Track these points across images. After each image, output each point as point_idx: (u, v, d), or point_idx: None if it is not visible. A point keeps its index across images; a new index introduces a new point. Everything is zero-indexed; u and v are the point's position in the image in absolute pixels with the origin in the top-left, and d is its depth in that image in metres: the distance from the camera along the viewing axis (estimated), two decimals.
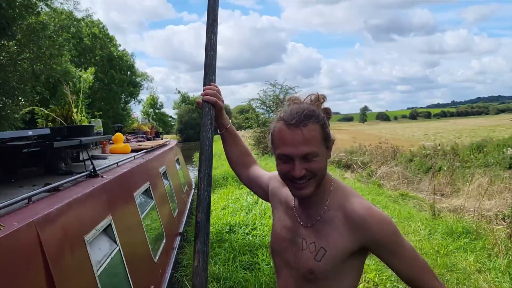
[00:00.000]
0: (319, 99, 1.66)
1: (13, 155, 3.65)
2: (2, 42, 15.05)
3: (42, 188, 2.94)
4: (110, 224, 3.54)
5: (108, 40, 33.34)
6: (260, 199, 8.89)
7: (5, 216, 2.25)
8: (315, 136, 1.54)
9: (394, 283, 5.07)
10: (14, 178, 3.52)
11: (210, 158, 1.85)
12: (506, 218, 6.99)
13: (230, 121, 2.09)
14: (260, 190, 2.04)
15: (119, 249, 3.60)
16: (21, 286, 2.03)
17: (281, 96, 22.72)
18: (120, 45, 35.24)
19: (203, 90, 1.96)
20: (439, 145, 19.40)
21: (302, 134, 1.53)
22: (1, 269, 1.88)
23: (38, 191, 2.84)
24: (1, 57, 16.33)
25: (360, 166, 15.60)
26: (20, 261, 2.08)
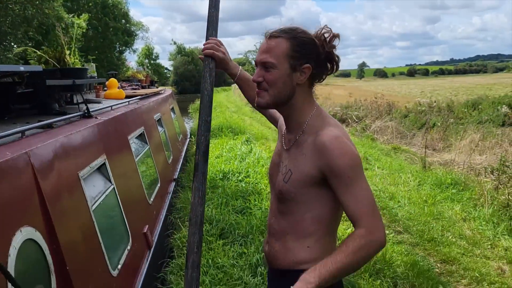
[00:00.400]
0: (323, 33, 1.70)
1: (6, 93, 3.64)
2: None
3: (36, 124, 2.96)
4: (104, 164, 3.59)
5: None
6: (254, 149, 9.01)
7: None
8: (278, 49, 1.63)
9: None
10: (7, 115, 3.53)
11: (209, 106, 1.91)
12: (494, 171, 7.11)
13: (240, 67, 2.14)
14: (275, 124, 2.12)
15: (114, 188, 3.67)
16: (15, 215, 2.09)
17: None
18: None
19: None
20: (434, 102, 19.38)
21: (267, 44, 1.66)
22: None
23: (31, 126, 2.86)
24: None
25: (355, 121, 15.66)
26: (14, 191, 2.13)
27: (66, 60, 5.20)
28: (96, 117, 3.99)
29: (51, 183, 2.48)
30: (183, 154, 9.05)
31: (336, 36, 1.70)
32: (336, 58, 1.73)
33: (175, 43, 67.09)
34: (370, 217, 1.47)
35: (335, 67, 1.75)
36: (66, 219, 2.59)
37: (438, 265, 4.55)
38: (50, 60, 5.14)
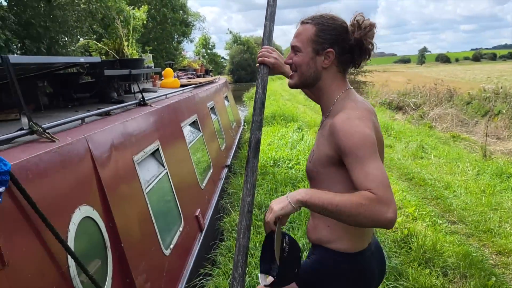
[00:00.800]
0: (356, 20, 1.73)
1: (69, 83, 3.92)
2: None
3: (94, 112, 3.18)
4: (158, 149, 3.79)
5: None
6: (306, 136, 9.00)
7: (61, 133, 2.48)
8: (304, 34, 1.76)
9: (434, 218, 5.11)
10: (70, 104, 3.80)
11: (260, 108, 2.03)
12: None
13: None
14: None
15: (167, 172, 3.86)
16: (75, 194, 2.29)
17: None
18: None
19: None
20: (501, 88, 18.26)
21: (298, 29, 1.81)
22: (54, 177, 2.12)
23: (90, 113, 3.08)
24: None
25: (413, 108, 15.14)
26: (73, 173, 2.32)
27: (124, 51, 5.47)
28: (151, 105, 4.19)
29: (107, 166, 2.67)
30: (236, 141, 9.23)
31: (371, 24, 1.72)
32: (370, 46, 1.75)
33: (231, 32, 67.70)
34: (381, 190, 1.43)
35: (367, 54, 1.77)
36: (121, 199, 2.79)
37: (493, 256, 4.38)
38: (110, 52, 5.44)
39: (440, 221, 5.06)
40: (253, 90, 28.70)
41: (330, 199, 1.49)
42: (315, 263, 1.84)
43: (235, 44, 63.74)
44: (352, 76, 22.22)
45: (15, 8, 14.43)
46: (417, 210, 5.22)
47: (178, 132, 4.71)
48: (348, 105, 1.72)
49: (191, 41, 39.02)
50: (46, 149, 2.10)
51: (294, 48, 1.79)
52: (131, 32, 5.72)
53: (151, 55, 6.90)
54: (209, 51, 52.58)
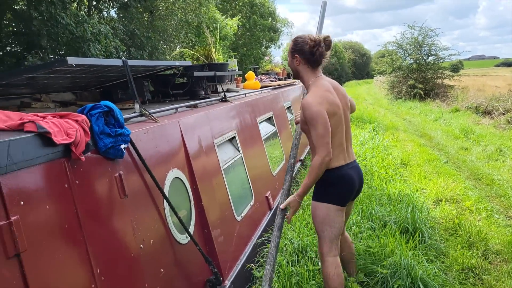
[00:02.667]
0: (311, 38, 3.05)
1: (167, 82, 4.90)
2: None
3: (185, 104, 4.08)
4: (234, 137, 4.61)
5: None
6: (377, 137, 9.37)
7: (161, 117, 3.38)
8: (288, 48, 3.18)
9: (490, 212, 5.34)
10: (167, 99, 4.78)
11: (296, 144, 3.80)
12: None
13: None
14: None
15: (241, 156, 4.67)
16: (169, 159, 3.15)
17: (420, 39, 21.62)
18: None
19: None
20: None
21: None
22: (156, 144, 2.99)
23: (181, 105, 3.98)
24: (160, 7, 18.68)
25: (502, 113, 14.55)
26: (169, 144, 3.19)
27: (212, 57, 6.43)
28: (231, 101, 5.03)
29: (192, 142, 3.53)
30: None
31: (315, 40, 3.00)
32: (317, 53, 3.01)
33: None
34: (318, 148, 2.87)
35: (317, 57, 3.04)
36: (203, 169, 3.62)
37: None
38: (200, 57, 6.43)
39: (497, 216, 5.28)
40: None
41: (306, 185, 3.05)
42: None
43: None
44: (440, 80, 21.64)
45: (123, 20, 16.38)
46: (474, 204, 5.48)
47: (254, 125, 5.51)
48: (310, 90, 3.06)
49: (278, 47, 40.14)
50: (151, 126, 2.99)
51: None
52: (218, 40, 6.66)
53: (235, 60, 7.82)
54: None
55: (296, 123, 3.76)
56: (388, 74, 23.50)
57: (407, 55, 22.27)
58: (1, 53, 13.16)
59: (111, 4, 16.45)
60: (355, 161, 3.22)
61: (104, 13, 16.78)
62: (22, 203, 1.76)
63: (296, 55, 3.07)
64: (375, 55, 71.53)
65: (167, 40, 18.94)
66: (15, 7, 12.55)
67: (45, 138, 1.94)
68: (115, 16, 17.12)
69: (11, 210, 1.69)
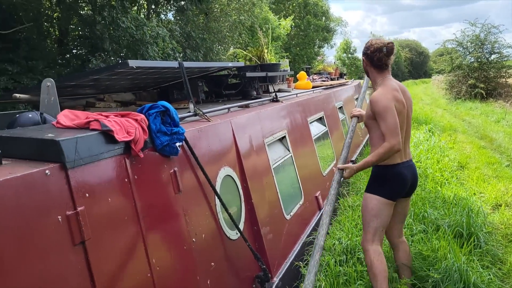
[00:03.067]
0: (373, 45, 3.33)
1: (220, 83, 5.05)
2: None
3: (237, 104, 4.20)
4: (284, 136, 4.68)
5: None
6: (433, 138, 9.08)
7: (214, 117, 3.51)
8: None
9: None
10: (220, 99, 4.92)
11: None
12: None
13: None
14: None
15: (291, 156, 4.72)
16: (221, 157, 3.27)
17: (482, 36, 20.57)
18: None
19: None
20: None
21: None
22: (208, 142, 3.12)
23: (234, 105, 4.10)
24: (215, 9, 19.12)
25: None
26: (220, 143, 3.31)
27: (264, 57, 6.53)
28: (282, 102, 5.10)
29: (243, 141, 3.63)
30: (364, 140, 9.72)
31: (375, 46, 3.28)
32: (375, 58, 3.28)
33: (374, 35, 66.64)
34: (390, 136, 3.03)
35: (379, 61, 3.29)
36: (253, 167, 3.72)
37: None
38: (253, 58, 6.55)
39: None
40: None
41: (367, 162, 3.24)
42: (373, 173, 3.43)
43: None
44: (503, 79, 20.54)
45: (180, 22, 16.92)
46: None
47: (304, 125, 5.55)
48: (379, 87, 3.27)
49: (332, 47, 39.72)
50: (204, 125, 3.12)
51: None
52: (270, 41, 6.75)
53: (287, 60, 7.89)
54: (350, 55, 52.56)
55: (352, 117, 4.05)
56: (446, 73, 22.59)
57: (467, 53, 21.28)
58: (68, 55, 14.03)
59: (169, 8, 17.02)
60: (410, 160, 3.40)
61: (162, 16, 17.41)
62: (87, 195, 1.92)
63: (363, 57, 3.43)
64: (434, 53, 68.94)
65: (221, 41, 19.34)
66: (81, 12, 13.32)
67: (108, 135, 2.10)
68: (172, 19, 17.71)
69: (78, 201, 1.86)
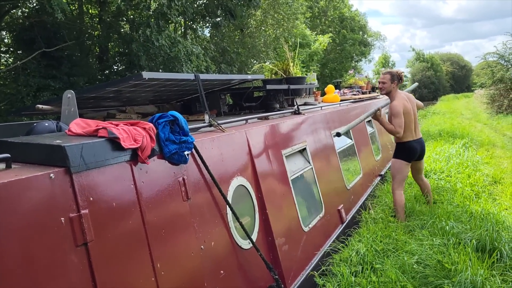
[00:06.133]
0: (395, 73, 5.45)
1: (241, 96, 5.14)
2: (251, 11, 17.82)
3: (255, 115, 4.26)
4: (305, 148, 4.68)
5: (341, 0, 34.67)
6: (467, 153, 8.80)
7: (230, 128, 3.58)
8: (387, 78, 5.36)
9: None
10: (242, 111, 5.00)
11: None
12: None
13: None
14: None
15: (312, 168, 4.71)
16: (234, 166, 3.32)
17: None
18: (352, 5, 36.27)
19: None
20: None
21: (381, 76, 5.55)
22: (220, 152, 3.18)
23: (252, 116, 4.17)
24: (250, 25, 19.44)
25: None
26: (234, 152, 3.37)
27: (290, 71, 6.58)
28: (303, 114, 5.12)
29: (259, 152, 3.68)
30: None
31: (399, 74, 5.42)
32: (398, 79, 5.36)
33: (413, 49, 65.44)
34: (396, 127, 5.15)
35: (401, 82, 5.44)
36: (269, 177, 3.75)
37: None
38: (279, 71, 6.61)
39: None
40: (428, 108, 27.58)
41: (383, 122, 5.31)
42: (396, 146, 5.53)
43: (417, 62, 61.20)
44: None
45: (215, 38, 17.31)
46: None
47: (328, 138, 5.53)
48: (396, 98, 5.27)
49: (370, 61, 39.38)
50: (218, 135, 3.19)
51: (382, 81, 5.36)
52: (297, 54, 6.80)
53: (315, 74, 7.89)
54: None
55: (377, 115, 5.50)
56: (487, 86, 21.82)
57: (510, 66, 20.50)
58: (107, 71, 14.63)
59: (205, 24, 17.43)
60: (420, 138, 5.56)
61: (199, 32, 17.84)
62: (91, 199, 2.02)
63: (395, 80, 5.30)
64: (477, 67, 66.89)
65: (256, 56, 19.58)
66: (121, 30, 13.89)
67: (115, 142, 2.21)
68: (208, 35, 18.13)
69: (82, 204, 1.96)
